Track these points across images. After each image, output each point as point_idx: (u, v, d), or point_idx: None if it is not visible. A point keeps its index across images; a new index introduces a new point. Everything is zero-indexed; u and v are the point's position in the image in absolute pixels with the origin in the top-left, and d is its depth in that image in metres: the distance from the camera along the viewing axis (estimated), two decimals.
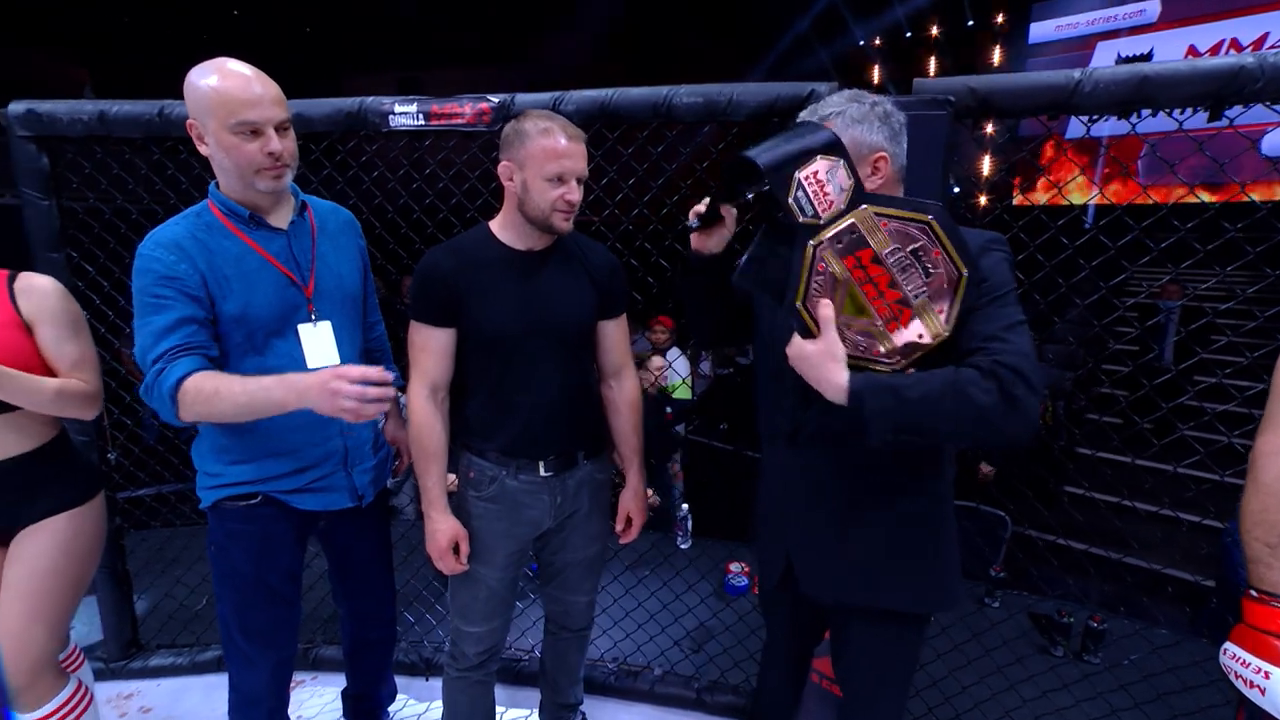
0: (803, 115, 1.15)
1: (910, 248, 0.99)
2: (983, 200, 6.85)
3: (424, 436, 1.41)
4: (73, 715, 1.50)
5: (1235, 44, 6.68)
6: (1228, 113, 1.38)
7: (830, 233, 1.01)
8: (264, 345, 1.31)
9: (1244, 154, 1.54)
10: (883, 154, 1.09)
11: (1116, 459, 4.15)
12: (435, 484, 1.42)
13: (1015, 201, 7.18)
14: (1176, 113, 1.42)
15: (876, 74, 8.93)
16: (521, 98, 1.78)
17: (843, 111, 1.10)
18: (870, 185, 1.09)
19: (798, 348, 1.03)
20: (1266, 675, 0.95)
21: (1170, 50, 7.09)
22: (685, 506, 3.13)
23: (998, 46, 8.45)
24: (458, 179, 2.02)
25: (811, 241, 1.01)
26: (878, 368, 1.02)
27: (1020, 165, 7.21)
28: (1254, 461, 1.02)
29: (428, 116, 1.80)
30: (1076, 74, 1.42)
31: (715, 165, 1.91)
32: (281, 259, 1.33)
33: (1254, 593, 1.00)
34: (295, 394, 1.16)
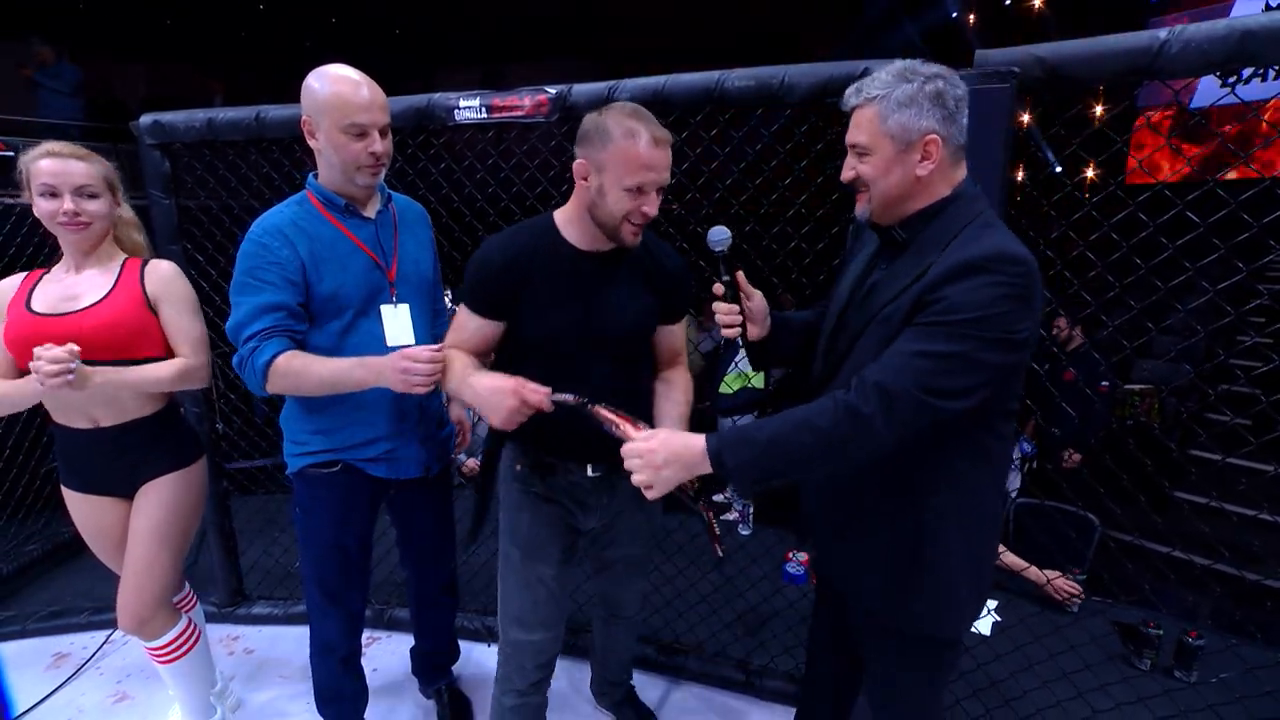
0: (847, 93, 1.09)
1: None
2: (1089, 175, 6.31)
3: (452, 361, 1.33)
4: (185, 647, 1.74)
5: None
6: None
7: None
8: (351, 322, 1.45)
9: None
10: (933, 137, 1.02)
11: (1213, 459, 3.77)
12: (468, 371, 1.30)
13: (1127, 179, 6.55)
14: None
15: (972, 47, 8.35)
16: (578, 88, 1.83)
17: (888, 94, 1.02)
18: (921, 171, 1.04)
19: (643, 445, 1.06)
20: None
21: None
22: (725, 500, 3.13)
23: (1112, 9, 7.69)
24: (518, 169, 2.11)
25: None
26: None
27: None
28: None
29: (489, 109, 1.88)
30: (1162, 34, 1.30)
31: (769, 150, 1.91)
32: (369, 245, 1.48)
33: None
34: (373, 374, 1.34)
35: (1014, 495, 3.23)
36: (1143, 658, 2.06)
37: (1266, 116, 6.18)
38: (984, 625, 2.20)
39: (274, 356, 1.34)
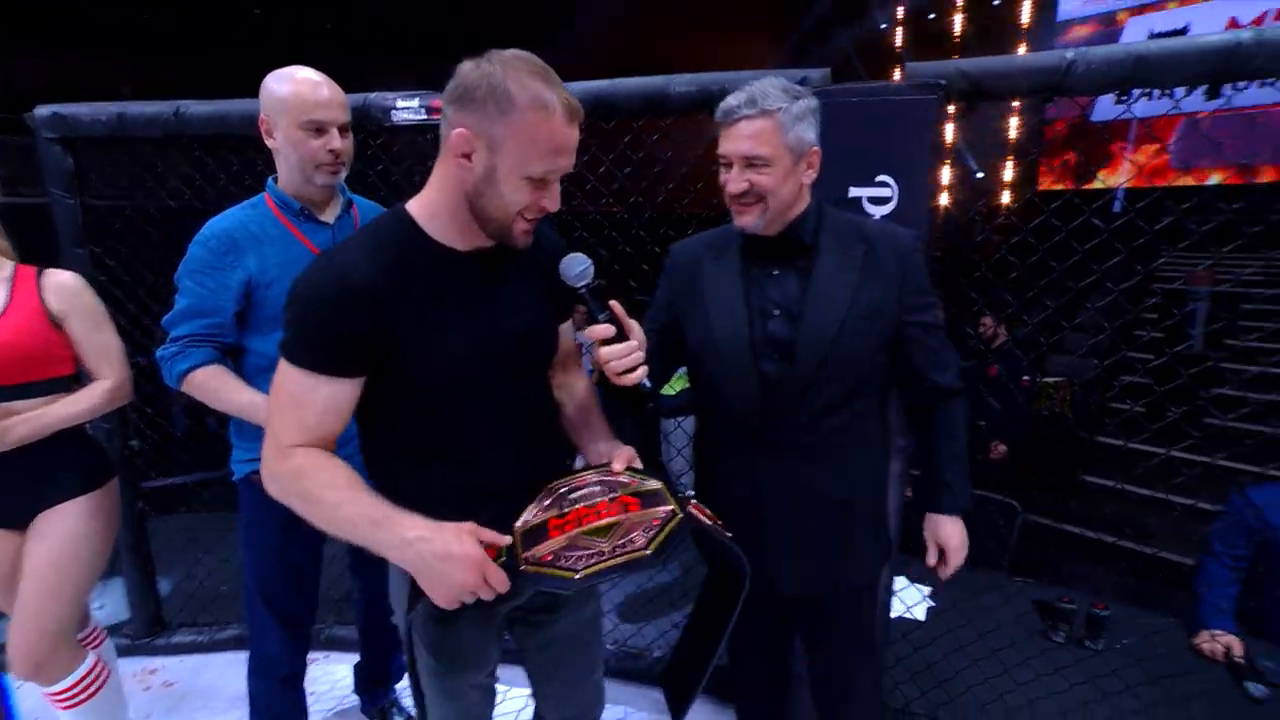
0: (735, 104, 1.11)
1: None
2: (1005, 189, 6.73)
3: (322, 484, 0.94)
4: (89, 690, 1.58)
5: None
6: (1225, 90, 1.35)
7: None
8: None
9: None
10: (817, 149, 1.14)
11: (1116, 444, 4.10)
12: (373, 506, 0.92)
13: (1040, 186, 7.02)
14: (1177, 92, 1.40)
15: (898, 56, 8.77)
16: None
17: (787, 108, 1.09)
18: (807, 180, 1.15)
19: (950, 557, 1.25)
20: None
21: (1209, 23, 6.76)
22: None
23: (1024, 24, 8.22)
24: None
25: None
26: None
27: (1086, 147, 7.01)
28: None
29: (429, 110, 1.84)
30: (1069, 54, 1.40)
31: (709, 152, 1.94)
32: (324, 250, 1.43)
33: None
34: None
35: None
36: (1058, 631, 2.21)
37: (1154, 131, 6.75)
38: (919, 611, 2.31)
39: (192, 368, 1.36)
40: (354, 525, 0.91)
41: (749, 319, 1.18)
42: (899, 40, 8.82)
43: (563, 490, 1.01)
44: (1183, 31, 6.91)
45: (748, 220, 1.14)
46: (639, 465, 1.07)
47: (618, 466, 1.04)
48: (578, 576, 0.86)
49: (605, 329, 0.97)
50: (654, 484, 1.02)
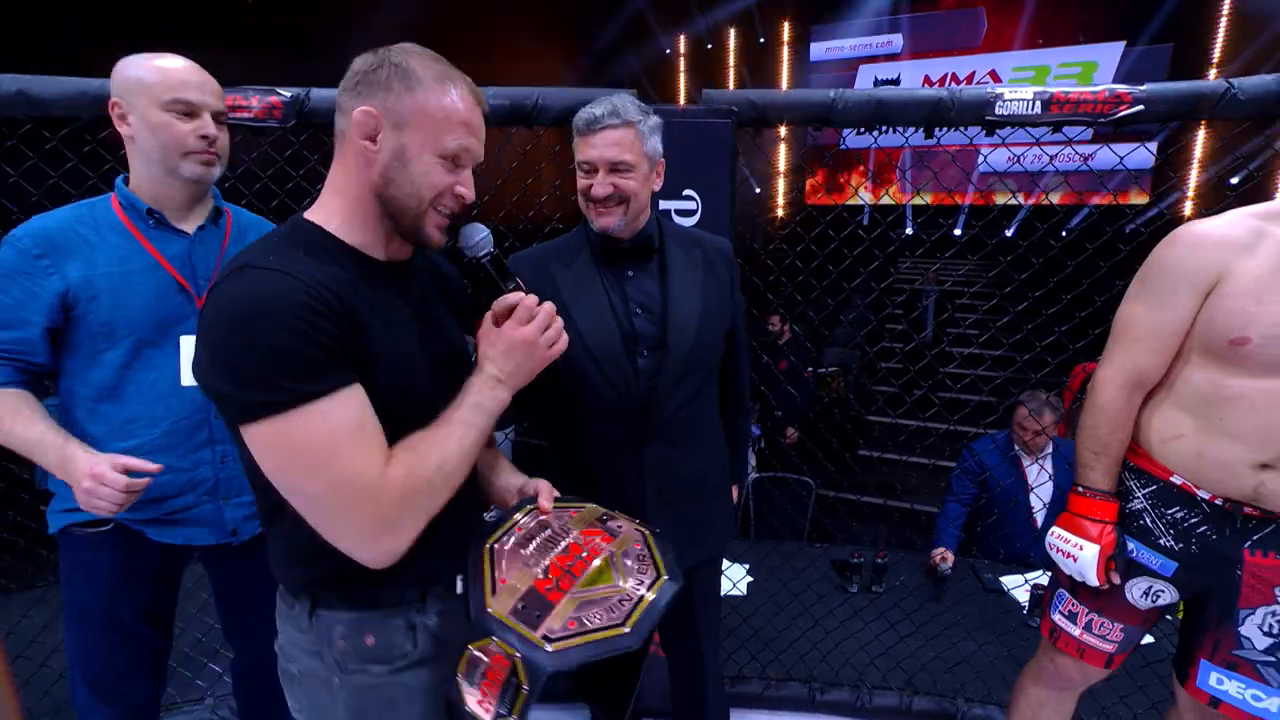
0: (598, 114, 1.18)
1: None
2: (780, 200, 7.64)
3: (427, 451, 0.82)
4: None
5: (954, 77, 8.13)
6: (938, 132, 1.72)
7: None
8: (135, 354, 1.22)
9: (980, 166, 1.96)
10: (662, 162, 1.27)
11: (884, 420, 4.93)
12: (456, 402, 0.87)
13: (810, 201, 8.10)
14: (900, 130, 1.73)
15: (682, 81, 9.54)
16: (318, 93, 1.67)
17: (644, 120, 1.21)
18: (656, 188, 1.26)
19: None
20: (1080, 548, 1.20)
21: (912, 78, 8.42)
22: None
23: (785, 62, 9.45)
24: (248, 178, 1.84)
25: None
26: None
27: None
28: (1091, 388, 1.23)
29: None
30: (833, 94, 1.66)
31: (524, 165, 1.96)
32: (176, 264, 1.26)
33: (1079, 488, 1.24)
34: (64, 471, 1.14)
35: (750, 471, 3.77)
36: (852, 582, 2.58)
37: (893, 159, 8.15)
38: (742, 586, 2.54)
39: None
40: (466, 423, 0.85)
41: (617, 318, 1.25)
42: (681, 66, 9.62)
43: (508, 545, 0.88)
44: (896, 81, 8.46)
45: (609, 221, 1.21)
46: (556, 492, 0.99)
47: (546, 504, 0.95)
48: (629, 629, 0.75)
49: (517, 296, 0.89)
50: (591, 505, 0.96)
